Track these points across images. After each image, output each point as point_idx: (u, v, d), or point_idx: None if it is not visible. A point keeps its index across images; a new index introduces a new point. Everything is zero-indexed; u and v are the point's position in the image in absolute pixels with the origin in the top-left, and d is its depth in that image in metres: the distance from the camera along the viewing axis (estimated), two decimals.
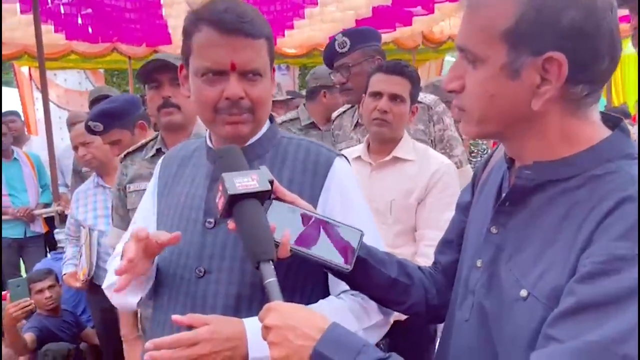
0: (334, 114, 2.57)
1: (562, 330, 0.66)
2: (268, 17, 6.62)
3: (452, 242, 1.03)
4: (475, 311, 0.83)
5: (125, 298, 1.11)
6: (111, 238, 1.99)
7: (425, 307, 1.02)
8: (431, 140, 2.31)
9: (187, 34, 1.05)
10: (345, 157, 1.16)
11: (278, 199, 0.96)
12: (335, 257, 0.92)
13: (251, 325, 0.97)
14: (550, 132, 0.77)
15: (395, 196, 1.76)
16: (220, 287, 1.04)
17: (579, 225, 0.71)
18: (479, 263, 0.85)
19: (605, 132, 0.77)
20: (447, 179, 1.76)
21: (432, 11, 6.26)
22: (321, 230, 0.94)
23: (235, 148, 0.98)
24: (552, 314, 0.68)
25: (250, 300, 1.02)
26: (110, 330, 2.44)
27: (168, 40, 7.20)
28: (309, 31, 7.16)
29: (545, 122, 0.76)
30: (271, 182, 0.92)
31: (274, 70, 1.13)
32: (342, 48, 2.28)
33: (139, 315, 2.14)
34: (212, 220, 1.07)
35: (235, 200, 0.88)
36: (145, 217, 1.21)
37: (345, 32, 2.35)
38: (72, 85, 10.18)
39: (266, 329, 0.81)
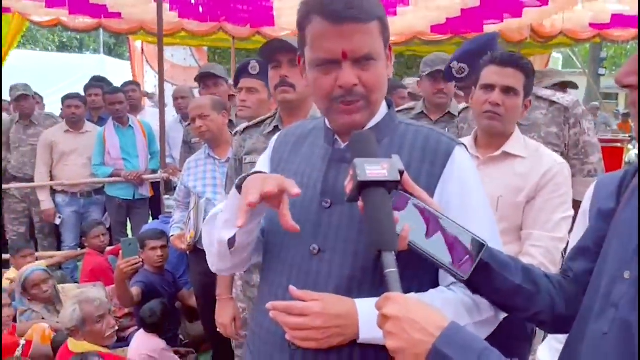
0: (461, 106, 2.57)
1: None
2: None
3: (589, 250, 0.98)
4: (618, 326, 0.79)
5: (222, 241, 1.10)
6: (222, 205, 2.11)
7: (551, 316, 0.99)
8: (565, 145, 2.21)
9: (301, 26, 1.07)
10: (466, 147, 1.13)
11: (406, 191, 0.96)
12: (451, 261, 0.92)
13: (363, 306, 0.99)
14: None
15: (502, 193, 1.72)
16: (333, 267, 1.05)
17: None
18: (626, 275, 0.80)
19: None
20: (560, 179, 1.69)
21: (546, 3, 5.91)
22: (443, 232, 0.93)
23: (370, 134, 0.99)
24: None
25: (361, 283, 1.04)
26: (207, 292, 2.60)
27: (272, 22, 7.40)
28: (411, 19, 7.04)
29: None
30: (401, 173, 0.93)
31: (390, 49, 1.11)
32: (460, 74, 2.27)
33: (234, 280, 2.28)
34: (328, 200, 1.08)
35: (363, 187, 0.90)
36: None
37: (459, 58, 2.33)
38: (178, 61, 10.77)
39: (384, 318, 0.81)
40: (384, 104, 1.15)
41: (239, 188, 1.03)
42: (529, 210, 1.70)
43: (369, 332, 0.97)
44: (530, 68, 1.78)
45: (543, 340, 1.35)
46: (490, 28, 7.47)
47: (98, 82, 5.35)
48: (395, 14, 6.77)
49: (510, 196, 1.71)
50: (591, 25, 6.93)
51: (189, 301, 3.33)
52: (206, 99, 2.76)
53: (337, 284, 1.04)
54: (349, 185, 0.93)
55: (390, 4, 6.50)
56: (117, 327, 2.57)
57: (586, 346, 0.85)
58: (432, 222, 0.94)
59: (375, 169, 0.90)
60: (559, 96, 2.17)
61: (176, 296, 3.33)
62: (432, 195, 1.04)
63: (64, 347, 2.31)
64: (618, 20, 6.58)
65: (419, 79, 3.13)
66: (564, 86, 2.89)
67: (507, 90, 1.72)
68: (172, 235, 2.81)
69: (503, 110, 1.72)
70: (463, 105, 2.54)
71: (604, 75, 15.55)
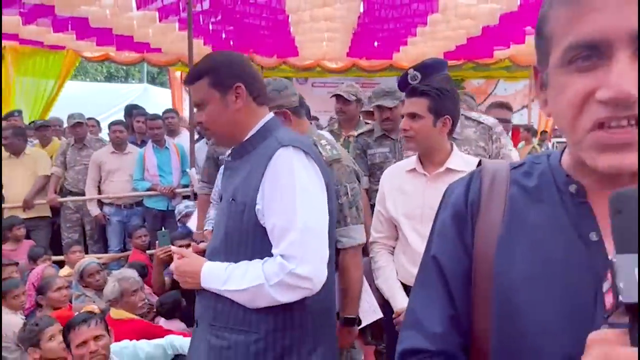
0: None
1: None
2: (383, 34, 7.21)
3: None
4: None
5: None
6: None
7: None
8: (489, 156, 2.61)
9: None
10: (299, 147, 1.38)
11: None
12: None
13: (206, 267, 1.44)
14: None
15: None
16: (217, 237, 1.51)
17: None
18: None
19: None
20: None
21: None
22: None
23: None
24: None
25: (219, 251, 1.47)
26: None
27: (296, 53, 8.13)
28: (422, 47, 7.61)
29: None
30: None
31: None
32: (414, 80, 2.57)
33: None
34: (221, 197, 1.61)
35: None
36: None
37: (416, 67, 2.54)
38: None
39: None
40: (265, 119, 1.46)
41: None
42: None
43: (206, 283, 1.44)
44: (435, 92, 1.96)
45: None
46: (499, 54, 7.97)
47: (131, 110, 6.13)
48: (406, 43, 7.38)
49: None
50: None
51: None
52: None
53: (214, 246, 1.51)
54: None
55: (401, 35, 7.12)
56: (147, 301, 3.15)
57: None
58: None
59: None
60: (483, 117, 2.65)
61: None
62: (257, 193, 1.36)
63: (107, 316, 2.92)
64: None
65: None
66: (501, 106, 3.41)
67: (412, 116, 1.97)
68: (206, 230, 3.11)
69: (412, 133, 1.99)
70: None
71: None
